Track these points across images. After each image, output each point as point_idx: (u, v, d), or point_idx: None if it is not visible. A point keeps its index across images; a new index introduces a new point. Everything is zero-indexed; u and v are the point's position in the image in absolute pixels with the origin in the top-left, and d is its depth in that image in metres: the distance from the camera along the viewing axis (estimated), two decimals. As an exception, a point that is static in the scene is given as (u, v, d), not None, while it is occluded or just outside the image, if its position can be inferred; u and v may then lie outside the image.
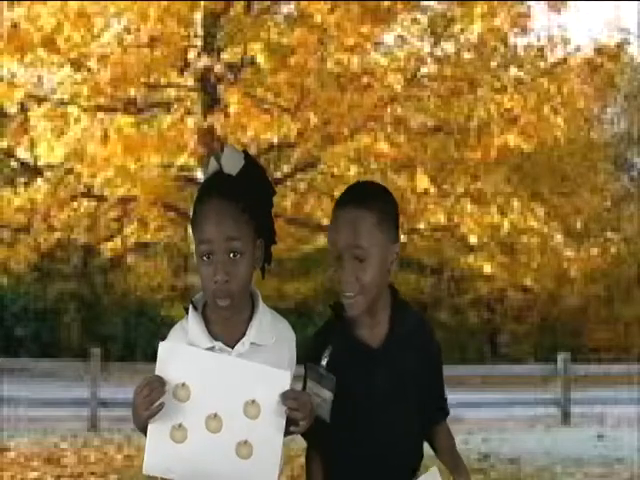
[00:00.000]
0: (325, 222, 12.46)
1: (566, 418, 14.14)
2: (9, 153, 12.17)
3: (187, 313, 2.39)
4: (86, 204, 11.71)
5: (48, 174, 11.36)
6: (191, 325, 2.36)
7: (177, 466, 2.25)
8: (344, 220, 2.42)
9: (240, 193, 2.31)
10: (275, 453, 2.27)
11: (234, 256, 2.29)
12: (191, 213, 2.39)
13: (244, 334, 2.35)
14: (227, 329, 2.35)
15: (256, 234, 2.34)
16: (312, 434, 2.42)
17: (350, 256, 2.39)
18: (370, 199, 2.44)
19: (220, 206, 2.29)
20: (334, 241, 2.42)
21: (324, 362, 2.43)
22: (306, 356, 2.48)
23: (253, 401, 2.25)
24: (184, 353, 2.28)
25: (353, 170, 12.14)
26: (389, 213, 2.47)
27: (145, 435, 2.30)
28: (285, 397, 2.23)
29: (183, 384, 2.25)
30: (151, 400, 2.22)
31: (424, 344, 2.52)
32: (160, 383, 2.22)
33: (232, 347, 2.34)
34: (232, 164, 2.35)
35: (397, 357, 2.45)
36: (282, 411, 2.26)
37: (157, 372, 2.25)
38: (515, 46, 12.18)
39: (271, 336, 2.36)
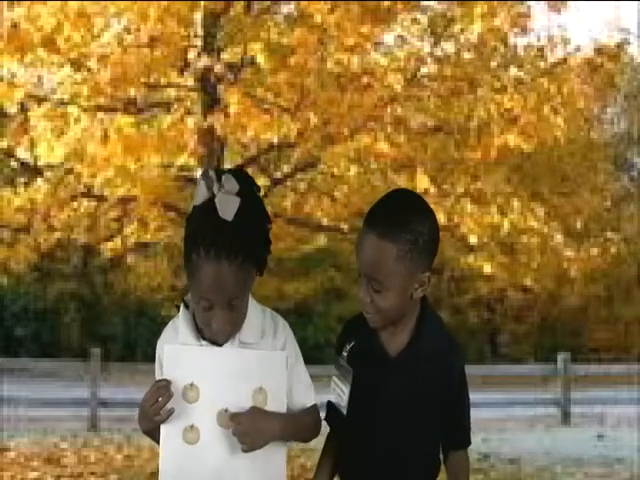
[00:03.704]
0: (325, 222, 12.47)
1: (566, 418, 14.14)
2: (9, 153, 12.17)
3: (179, 311, 2.40)
4: (86, 204, 11.70)
5: (48, 174, 11.36)
6: (181, 324, 2.36)
7: (193, 468, 2.26)
8: (366, 246, 2.30)
9: (238, 246, 2.22)
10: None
11: (233, 304, 2.27)
12: (185, 229, 2.31)
13: None
14: None
15: (253, 272, 2.30)
16: (334, 423, 2.45)
17: (367, 283, 2.33)
18: (398, 228, 2.28)
19: (220, 267, 2.21)
20: (357, 258, 2.34)
21: (345, 354, 2.43)
22: (336, 343, 2.49)
23: (260, 388, 2.27)
24: (189, 353, 2.29)
25: (353, 170, 12.14)
26: (419, 242, 2.30)
27: (153, 439, 2.31)
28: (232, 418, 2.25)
29: (191, 384, 2.26)
30: (159, 406, 2.23)
31: (446, 365, 2.41)
32: (166, 388, 2.24)
33: (220, 345, 2.34)
34: (227, 209, 2.23)
35: (412, 370, 2.38)
36: (283, 392, 2.29)
37: (165, 375, 2.26)
38: (515, 46, 12.17)
39: (260, 333, 2.35)
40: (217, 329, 2.27)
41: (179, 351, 2.29)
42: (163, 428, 2.26)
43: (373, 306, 2.34)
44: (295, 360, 2.38)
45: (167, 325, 2.43)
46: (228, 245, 2.21)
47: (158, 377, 2.31)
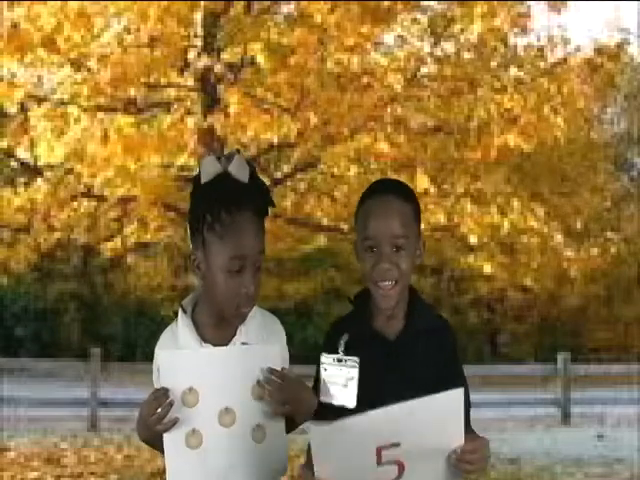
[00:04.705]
0: (325, 222, 12.46)
1: (566, 418, 14.15)
2: (9, 153, 12.16)
3: (176, 317, 2.39)
4: (86, 204, 11.70)
5: (48, 174, 11.35)
6: (181, 329, 2.35)
7: (199, 472, 2.26)
8: (385, 209, 2.44)
9: (259, 203, 2.31)
10: (281, 428, 2.31)
11: (258, 268, 2.31)
12: (193, 210, 2.34)
13: (234, 335, 2.34)
14: (217, 331, 2.35)
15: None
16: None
17: (389, 245, 2.42)
18: (407, 192, 2.52)
19: (252, 221, 2.28)
20: (370, 230, 2.43)
21: (341, 349, 2.46)
22: (323, 347, 2.53)
23: (258, 382, 2.27)
24: (184, 357, 2.28)
25: (353, 170, 12.14)
26: (419, 210, 2.54)
27: (152, 447, 2.31)
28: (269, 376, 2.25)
29: (190, 389, 2.25)
30: (159, 416, 2.21)
31: (442, 339, 2.50)
32: (165, 396, 2.21)
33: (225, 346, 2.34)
34: (243, 172, 2.31)
35: (411, 351, 2.45)
36: None
37: (162, 382, 2.24)
38: (515, 46, 12.17)
39: (261, 335, 2.35)
40: (250, 293, 2.29)
41: (174, 356, 2.28)
42: (166, 437, 2.24)
43: (398, 271, 2.41)
44: (284, 357, 2.39)
45: (165, 331, 2.42)
46: (252, 201, 2.29)
47: (156, 384, 2.28)
